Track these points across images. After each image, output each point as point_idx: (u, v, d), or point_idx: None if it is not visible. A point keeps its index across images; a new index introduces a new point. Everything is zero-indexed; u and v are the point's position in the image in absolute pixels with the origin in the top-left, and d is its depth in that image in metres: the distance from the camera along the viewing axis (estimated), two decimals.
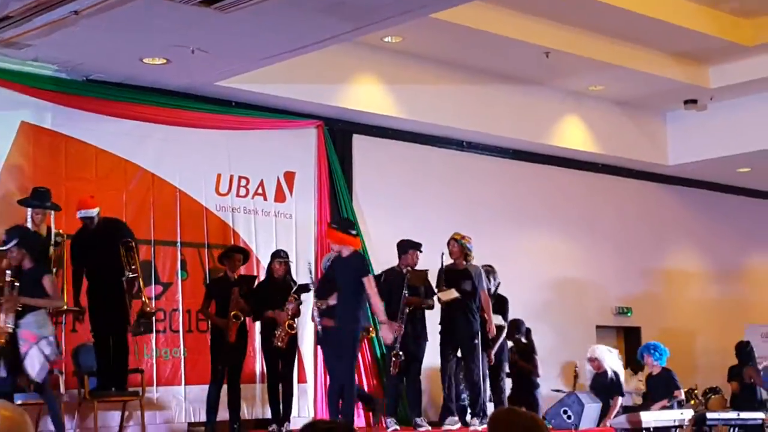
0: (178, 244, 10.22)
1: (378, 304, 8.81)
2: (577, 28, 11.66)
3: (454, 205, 12.62)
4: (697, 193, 16.07)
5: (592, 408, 10.28)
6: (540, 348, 12.07)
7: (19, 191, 9.21)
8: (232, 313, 9.37)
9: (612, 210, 14.81)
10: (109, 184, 9.86)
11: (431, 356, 10.13)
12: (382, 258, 10.76)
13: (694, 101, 13.86)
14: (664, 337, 15.07)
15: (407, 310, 9.59)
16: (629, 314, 14.93)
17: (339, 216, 11.13)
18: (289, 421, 9.70)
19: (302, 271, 10.27)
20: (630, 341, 15.13)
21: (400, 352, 9.55)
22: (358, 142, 12.00)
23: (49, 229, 8.96)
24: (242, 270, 10.00)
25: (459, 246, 10.01)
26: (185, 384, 10.03)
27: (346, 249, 8.79)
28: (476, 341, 9.84)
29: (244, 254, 9.91)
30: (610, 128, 14.09)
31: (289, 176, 11.25)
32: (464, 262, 10.05)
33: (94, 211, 8.97)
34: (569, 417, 10.11)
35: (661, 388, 10.73)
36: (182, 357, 10.09)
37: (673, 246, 15.81)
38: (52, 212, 8.98)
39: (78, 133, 9.78)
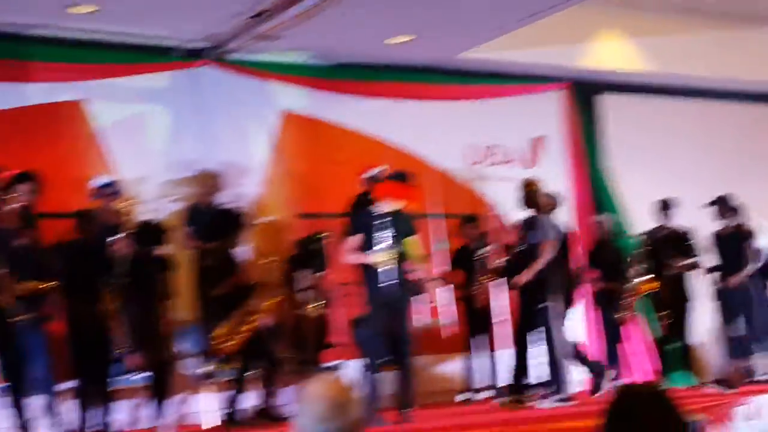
0: (439, 216, 10.35)
1: None
2: None
3: (713, 160, 12.15)
4: None
5: None
6: None
7: (285, 177, 9.75)
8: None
9: None
10: (362, 163, 10.18)
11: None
12: (640, 217, 10.57)
13: None
14: None
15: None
16: None
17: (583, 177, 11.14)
18: None
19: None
20: None
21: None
22: (607, 101, 11.79)
23: None
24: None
25: None
26: None
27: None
28: None
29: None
30: None
31: (539, 142, 11.25)
32: None
33: None
34: None
35: None
36: None
37: None
38: None
39: (333, 117, 10.21)
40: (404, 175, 7.83)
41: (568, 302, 8.80)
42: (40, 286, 7.24)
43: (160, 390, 8.09)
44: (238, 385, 8.38)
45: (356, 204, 9.01)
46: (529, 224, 8.67)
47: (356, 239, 7.52)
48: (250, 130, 9.89)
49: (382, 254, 7.44)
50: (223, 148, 9.64)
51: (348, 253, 7.60)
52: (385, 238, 7.47)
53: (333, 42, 9.67)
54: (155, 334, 8.14)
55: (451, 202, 10.51)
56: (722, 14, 11.69)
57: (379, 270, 7.42)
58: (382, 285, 7.41)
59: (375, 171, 9.12)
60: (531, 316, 8.44)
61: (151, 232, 8.12)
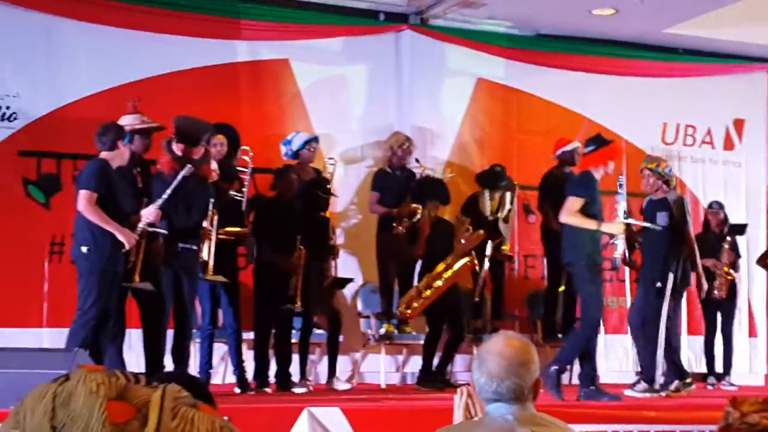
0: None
1: None
2: None
3: None
4: None
5: None
6: None
7: (476, 145, 9.79)
8: None
9: None
10: (557, 135, 10.08)
11: None
12: None
13: None
14: None
15: None
16: None
17: None
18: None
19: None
20: None
21: None
22: None
23: None
24: None
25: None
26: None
27: None
28: None
29: None
30: None
31: (739, 123, 10.89)
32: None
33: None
34: None
35: None
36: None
37: None
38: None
39: (529, 87, 10.14)
40: (602, 138, 7.81)
41: None
42: (234, 231, 7.46)
43: (333, 346, 8.32)
44: (426, 349, 8.44)
45: (550, 176, 8.98)
46: None
47: (578, 203, 7.45)
48: (445, 97, 9.92)
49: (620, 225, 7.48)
50: (417, 113, 9.73)
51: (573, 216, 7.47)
52: (620, 207, 7.53)
53: (535, 12, 9.60)
54: (330, 292, 8.37)
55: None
56: None
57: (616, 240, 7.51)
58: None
59: (569, 147, 9.04)
60: None
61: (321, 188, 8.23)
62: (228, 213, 7.51)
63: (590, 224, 7.36)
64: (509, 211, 9.28)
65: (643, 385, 7.75)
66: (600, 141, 7.78)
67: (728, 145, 10.86)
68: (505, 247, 9.25)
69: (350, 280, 8.77)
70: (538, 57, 10.16)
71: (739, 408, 2.05)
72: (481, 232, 8.50)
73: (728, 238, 9.39)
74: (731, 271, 9.32)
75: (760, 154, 10.95)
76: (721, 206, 9.63)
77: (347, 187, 9.21)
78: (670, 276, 7.67)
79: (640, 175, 8.10)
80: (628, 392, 7.72)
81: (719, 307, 9.35)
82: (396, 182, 8.98)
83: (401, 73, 9.68)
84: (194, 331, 7.39)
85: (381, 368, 8.75)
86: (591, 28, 9.99)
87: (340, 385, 8.21)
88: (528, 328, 9.41)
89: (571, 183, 7.83)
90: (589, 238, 7.39)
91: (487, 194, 9.13)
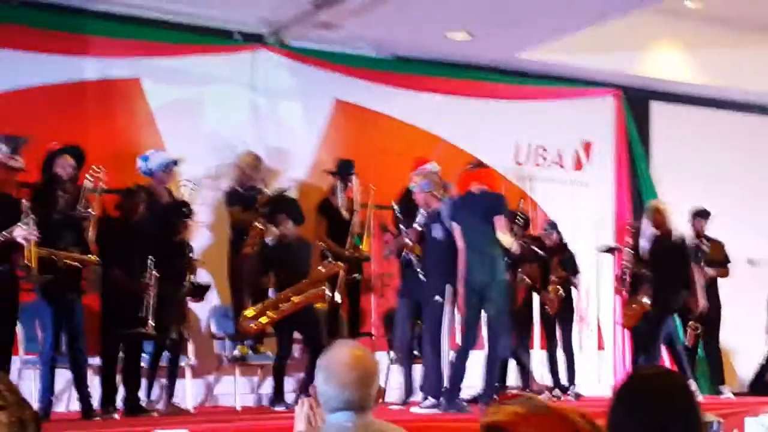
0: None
1: None
2: None
3: (757, 175, 12.08)
4: None
5: None
6: None
7: (333, 164, 9.78)
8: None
9: None
10: (413, 156, 10.18)
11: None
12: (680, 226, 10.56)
13: None
14: None
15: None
16: None
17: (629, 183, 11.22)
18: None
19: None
20: None
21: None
22: (657, 109, 11.75)
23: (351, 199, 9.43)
24: None
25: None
26: None
27: None
28: None
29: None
30: None
31: (587, 145, 11.26)
32: None
33: None
34: None
35: None
36: None
37: None
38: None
39: (385, 109, 10.21)
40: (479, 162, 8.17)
41: None
42: (80, 258, 7.21)
43: (174, 370, 8.12)
44: (276, 369, 8.35)
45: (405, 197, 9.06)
46: None
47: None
48: (302, 118, 9.90)
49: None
50: (274, 134, 9.68)
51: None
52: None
53: (392, 35, 9.68)
54: (180, 313, 8.19)
55: None
56: None
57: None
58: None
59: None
60: None
61: (178, 213, 8.09)
62: (70, 233, 7.25)
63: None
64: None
65: (430, 401, 7.80)
66: (480, 162, 8.25)
67: (577, 166, 11.20)
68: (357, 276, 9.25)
69: (207, 287, 8.58)
70: (395, 79, 10.25)
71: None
72: (341, 263, 8.50)
73: (558, 256, 9.65)
74: (558, 287, 9.56)
75: (607, 176, 11.32)
76: (554, 227, 9.91)
77: (201, 208, 9.05)
78: (448, 288, 7.79)
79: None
80: (414, 409, 7.85)
81: (557, 322, 9.62)
82: (247, 202, 8.89)
83: (257, 93, 9.62)
84: (35, 356, 7.10)
85: (235, 390, 8.61)
86: (447, 51, 10.14)
87: (183, 405, 8.04)
88: (383, 346, 9.43)
89: (498, 204, 7.90)
90: None
91: (339, 186, 9.17)
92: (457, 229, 7.75)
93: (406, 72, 10.30)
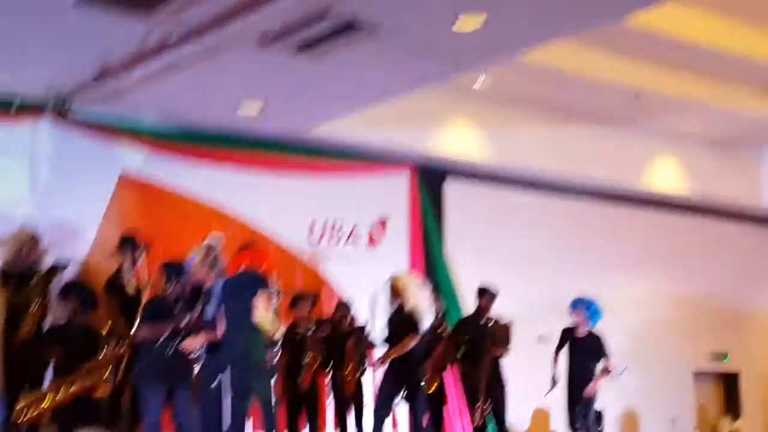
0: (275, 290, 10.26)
1: None
2: (667, 68, 11.52)
3: (544, 249, 12.52)
4: None
5: None
6: (638, 396, 11.85)
7: (118, 240, 9.41)
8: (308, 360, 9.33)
9: (706, 252, 14.50)
10: (205, 233, 9.94)
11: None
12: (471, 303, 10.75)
13: None
14: (764, 382, 14.72)
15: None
16: (726, 360, 14.54)
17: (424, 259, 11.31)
18: None
19: None
20: (728, 388, 14.77)
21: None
22: (450, 186, 12.01)
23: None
24: None
25: None
26: None
27: None
28: None
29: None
30: (703, 168, 13.84)
31: (382, 222, 11.33)
32: None
33: None
34: None
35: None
36: None
37: None
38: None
39: (175, 182, 9.97)
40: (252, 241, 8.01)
41: None
42: None
43: None
44: None
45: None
46: None
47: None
48: (85, 190, 9.50)
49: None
50: (56, 208, 9.25)
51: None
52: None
53: (181, 106, 9.49)
54: None
55: (291, 279, 10.38)
56: (567, 112, 12.21)
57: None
58: None
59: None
60: None
61: None
62: None
63: None
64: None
65: None
66: (247, 243, 8.04)
67: (372, 242, 11.23)
68: None
69: None
70: (184, 152, 10.04)
71: None
72: (122, 351, 8.10)
73: (355, 337, 9.57)
74: (355, 368, 9.49)
75: (402, 252, 11.40)
76: (347, 308, 9.88)
77: None
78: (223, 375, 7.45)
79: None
80: None
81: (352, 404, 9.55)
82: (23, 281, 8.39)
83: (38, 165, 9.21)
84: None
85: None
86: (238, 125, 10.04)
87: None
88: None
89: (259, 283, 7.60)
90: None
91: (125, 263, 8.79)
92: (221, 312, 7.52)
93: (196, 145, 10.11)
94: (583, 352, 9.92)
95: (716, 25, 10.87)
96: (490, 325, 9.83)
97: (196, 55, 7.82)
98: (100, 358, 7.99)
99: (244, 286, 7.47)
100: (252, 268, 7.67)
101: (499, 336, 9.88)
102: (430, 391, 9.30)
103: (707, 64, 11.37)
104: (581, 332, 10.00)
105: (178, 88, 8.72)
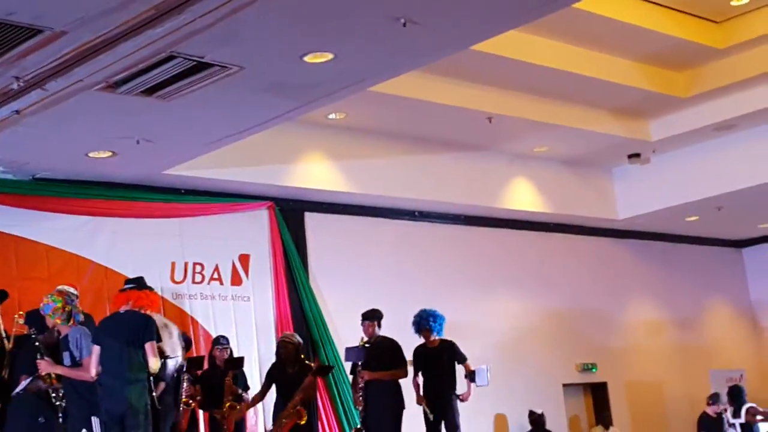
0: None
1: None
2: (517, 92, 11.87)
3: (410, 274, 12.68)
4: (649, 245, 16.29)
5: None
6: (509, 408, 12.04)
7: None
8: (183, 400, 9.23)
9: (568, 268, 14.93)
10: (62, 280, 9.72)
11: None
12: (343, 333, 10.77)
13: (638, 155, 14.11)
14: (631, 390, 15.21)
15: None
16: (594, 370, 14.96)
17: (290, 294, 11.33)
18: None
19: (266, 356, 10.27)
20: (597, 397, 15.17)
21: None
22: (310, 219, 12.07)
23: None
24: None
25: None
26: None
27: None
28: None
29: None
30: (558, 187, 14.27)
31: (244, 259, 11.28)
32: None
33: None
34: None
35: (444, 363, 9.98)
36: None
37: (632, 298, 15.96)
38: None
39: (28, 233, 9.78)
40: (143, 281, 7.93)
41: None
42: None
43: None
44: None
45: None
46: None
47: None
48: None
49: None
50: None
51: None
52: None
53: (29, 156, 9.28)
54: None
55: None
56: (421, 139, 12.43)
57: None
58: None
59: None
60: None
61: None
62: None
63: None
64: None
65: None
66: (140, 283, 7.96)
67: (236, 280, 11.18)
68: None
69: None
70: (35, 201, 9.85)
71: None
72: None
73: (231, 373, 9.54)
74: (234, 404, 9.42)
75: (267, 287, 11.39)
76: (227, 341, 9.82)
77: None
78: (94, 420, 7.43)
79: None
80: None
81: None
82: None
83: None
84: None
85: None
86: (90, 170, 9.89)
87: None
88: None
89: (145, 327, 7.56)
90: None
91: None
92: (95, 352, 7.39)
93: (47, 194, 9.94)
94: (437, 361, 9.94)
95: (562, 50, 11.27)
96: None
97: (39, 104, 7.67)
98: None
99: (126, 327, 7.37)
100: (134, 308, 7.65)
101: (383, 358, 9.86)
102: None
103: (555, 85, 11.76)
104: (432, 344, 10.04)
105: (23, 137, 8.52)
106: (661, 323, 16.28)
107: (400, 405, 9.73)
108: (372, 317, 9.88)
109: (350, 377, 10.16)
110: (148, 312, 7.85)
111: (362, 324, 9.89)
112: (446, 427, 9.82)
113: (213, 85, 7.81)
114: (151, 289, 8.16)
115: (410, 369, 10.02)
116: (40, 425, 7.76)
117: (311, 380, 9.36)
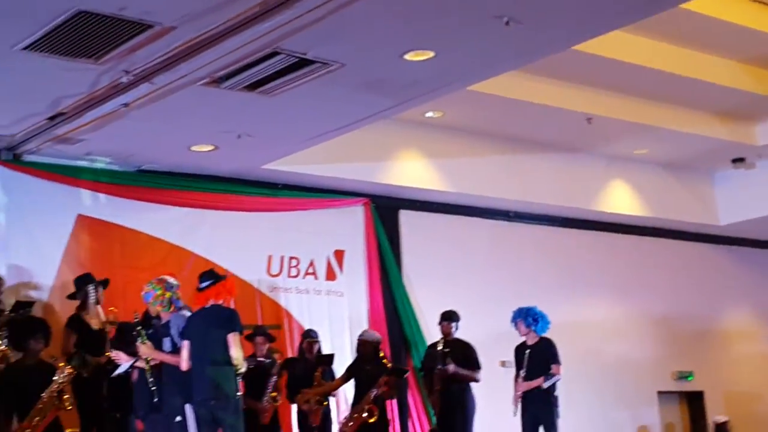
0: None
1: None
2: (617, 93, 11.71)
3: (502, 275, 12.63)
4: (751, 252, 15.89)
5: None
6: (604, 416, 11.91)
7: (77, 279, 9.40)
8: (271, 394, 9.34)
9: (665, 273, 14.66)
10: (163, 270, 9.94)
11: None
12: (434, 330, 10.78)
13: (742, 159, 13.79)
14: (729, 400, 14.85)
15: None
16: (690, 378, 14.68)
17: (383, 291, 11.42)
18: None
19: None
20: (693, 407, 14.88)
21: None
22: (405, 217, 12.11)
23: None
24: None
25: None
26: None
27: None
28: None
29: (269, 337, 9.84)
30: (657, 191, 14.03)
31: (339, 254, 11.38)
32: None
33: None
34: None
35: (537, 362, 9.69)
36: None
37: (730, 306, 15.59)
38: None
39: (131, 223, 10.01)
40: (216, 273, 7.98)
41: None
42: None
43: None
44: None
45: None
46: None
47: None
48: (42, 234, 9.49)
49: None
50: (14, 252, 9.26)
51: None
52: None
53: (134, 148, 9.53)
54: None
55: (250, 313, 10.39)
56: (519, 140, 12.37)
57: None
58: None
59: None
60: None
61: None
62: None
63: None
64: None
65: None
66: (215, 276, 7.92)
67: (330, 275, 11.28)
68: None
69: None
70: (139, 192, 10.08)
71: None
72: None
73: (321, 368, 9.64)
74: (321, 399, 9.52)
75: (360, 283, 11.47)
76: (317, 335, 9.92)
77: None
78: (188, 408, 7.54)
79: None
80: None
81: None
82: None
83: None
84: None
85: None
86: (191, 163, 10.09)
87: None
88: None
89: (230, 320, 7.68)
90: None
91: (90, 301, 8.84)
92: (185, 346, 7.55)
93: (150, 185, 10.15)
94: (535, 359, 9.76)
95: (665, 50, 11.09)
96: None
97: (146, 97, 7.87)
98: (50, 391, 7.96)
99: (213, 320, 7.51)
100: (220, 302, 7.77)
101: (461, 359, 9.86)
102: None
103: (657, 87, 11.57)
104: (531, 341, 9.92)
105: (129, 130, 8.76)
106: (761, 332, 15.87)
107: (472, 406, 9.81)
108: (451, 318, 10.00)
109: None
110: (231, 303, 7.97)
111: (440, 324, 9.99)
112: (544, 428, 9.72)
113: (313, 81, 7.90)
114: (224, 277, 8.18)
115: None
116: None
117: (385, 380, 9.38)
